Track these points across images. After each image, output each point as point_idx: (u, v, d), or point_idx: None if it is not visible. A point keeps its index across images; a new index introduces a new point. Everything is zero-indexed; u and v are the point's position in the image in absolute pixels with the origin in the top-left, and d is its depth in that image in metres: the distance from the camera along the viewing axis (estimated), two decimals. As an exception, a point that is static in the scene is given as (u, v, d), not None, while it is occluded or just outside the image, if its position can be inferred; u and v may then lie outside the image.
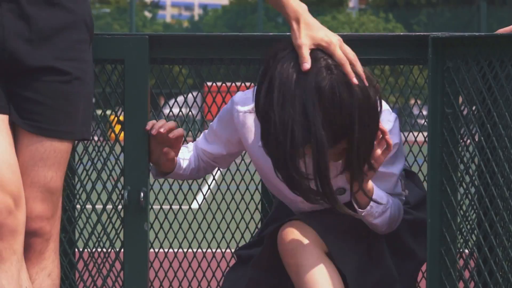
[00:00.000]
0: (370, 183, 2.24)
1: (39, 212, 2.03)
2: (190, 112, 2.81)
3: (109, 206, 2.38)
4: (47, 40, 2.04)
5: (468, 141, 2.29)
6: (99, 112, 2.57)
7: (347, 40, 2.27)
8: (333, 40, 2.18)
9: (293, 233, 2.23)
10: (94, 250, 2.44)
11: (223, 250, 2.72)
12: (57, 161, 2.08)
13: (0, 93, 1.97)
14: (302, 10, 2.21)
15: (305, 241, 2.21)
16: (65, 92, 2.09)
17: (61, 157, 2.08)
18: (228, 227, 2.74)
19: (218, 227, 2.72)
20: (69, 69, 2.07)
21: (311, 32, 2.18)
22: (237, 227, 2.77)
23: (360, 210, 2.25)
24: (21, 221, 1.94)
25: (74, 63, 2.08)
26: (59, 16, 2.05)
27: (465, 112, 2.22)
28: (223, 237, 2.71)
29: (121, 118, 2.34)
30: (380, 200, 2.25)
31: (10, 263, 1.91)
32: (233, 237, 2.72)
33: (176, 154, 2.38)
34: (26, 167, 2.02)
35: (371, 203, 2.24)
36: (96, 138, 2.51)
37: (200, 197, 2.86)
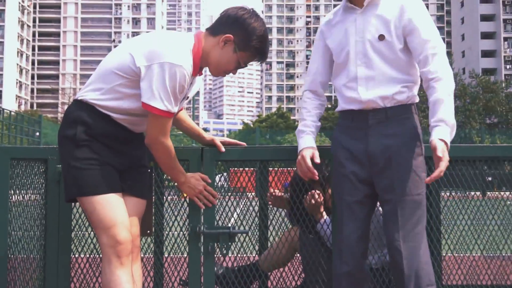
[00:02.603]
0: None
1: (137, 233, 2.03)
2: (219, 182, 2.68)
3: (181, 233, 2.36)
4: (141, 154, 2.09)
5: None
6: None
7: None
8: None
9: None
10: (173, 256, 2.38)
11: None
12: (144, 207, 2.11)
13: (118, 179, 1.97)
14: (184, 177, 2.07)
15: None
16: (151, 176, 2.18)
17: (145, 206, 2.12)
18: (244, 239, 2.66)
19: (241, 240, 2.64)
20: (147, 164, 2.15)
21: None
22: (249, 240, 2.67)
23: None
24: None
25: (148, 161, 2.14)
26: (142, 143, 2.07)
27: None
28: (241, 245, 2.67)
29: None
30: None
31: (128, 267, 1.90)
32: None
33: None
34: (133, 212, 2.02)
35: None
36: (176, 197, 2.51)
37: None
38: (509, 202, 2.33)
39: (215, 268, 2.30)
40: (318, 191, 2.29)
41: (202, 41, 1.97)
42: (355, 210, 1.89)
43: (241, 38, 1.94)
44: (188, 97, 2.06)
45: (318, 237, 2.27)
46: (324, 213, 2.32)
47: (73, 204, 2.24)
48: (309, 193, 2.28)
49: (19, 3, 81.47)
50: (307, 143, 2.00)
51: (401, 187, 1.83)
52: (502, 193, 2.34)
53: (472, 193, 2.28)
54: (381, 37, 1.90)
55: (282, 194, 2.38)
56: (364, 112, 1.92)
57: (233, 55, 1.96)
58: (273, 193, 2.38)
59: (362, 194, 1.89)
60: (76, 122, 1.91)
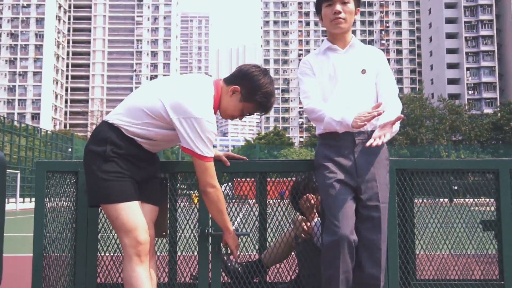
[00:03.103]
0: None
1: (152, 235, 2.02)
2: (225, 191, 2.70)
3: (192, 235, 2.35)
4: (155, 168, 2.09)
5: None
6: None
7: (295, 162, 2.24)
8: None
9: None
10: (185, 254, 2.35)
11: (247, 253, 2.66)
12: (157, 213, 2.10)
13: (137, 189, 1.96)
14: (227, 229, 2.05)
15: None
16: (162, 185, 2.16)
17: (158, 211, 2.11)
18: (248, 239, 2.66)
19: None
20: (160, 176, 2.14)
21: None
22: (251, 241, 2.63)
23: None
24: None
25: (160, 173, 2.15)
26: (156, 160, 2.10)
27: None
28: (244, 245, 2.65)
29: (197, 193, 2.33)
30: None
31: (146, 264, 1.89)
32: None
33: None
34: (149, 216, 2.01)
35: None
36: (187, 204, 2.50)
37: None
38: (472, 208, 2.33)
39: (226, 260, 2.28)
40: (312, 195, 2.28)
41: (219, 89, 1.99)
42: (347, 205, 1.90)
43: (247, 91, 1.96)
44: None
45: (310, 235, 2.27)
46: (316, 214, 2.31)
47: (99, 209, 2.23)
48: (304, 196, 2.27)
49: (55, 39, 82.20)
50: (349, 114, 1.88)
51: (383, 196, 1.93)
52: (466, 200, 2.34)
53: (441, 200, 2.30)
54: (364, 71, 2.03)
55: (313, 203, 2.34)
56: (349, 134, 1.96)
57: (238, 104, 1.98)
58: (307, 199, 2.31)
59: (351, 196, 1.93)
60: (106, 141, 1.91)
